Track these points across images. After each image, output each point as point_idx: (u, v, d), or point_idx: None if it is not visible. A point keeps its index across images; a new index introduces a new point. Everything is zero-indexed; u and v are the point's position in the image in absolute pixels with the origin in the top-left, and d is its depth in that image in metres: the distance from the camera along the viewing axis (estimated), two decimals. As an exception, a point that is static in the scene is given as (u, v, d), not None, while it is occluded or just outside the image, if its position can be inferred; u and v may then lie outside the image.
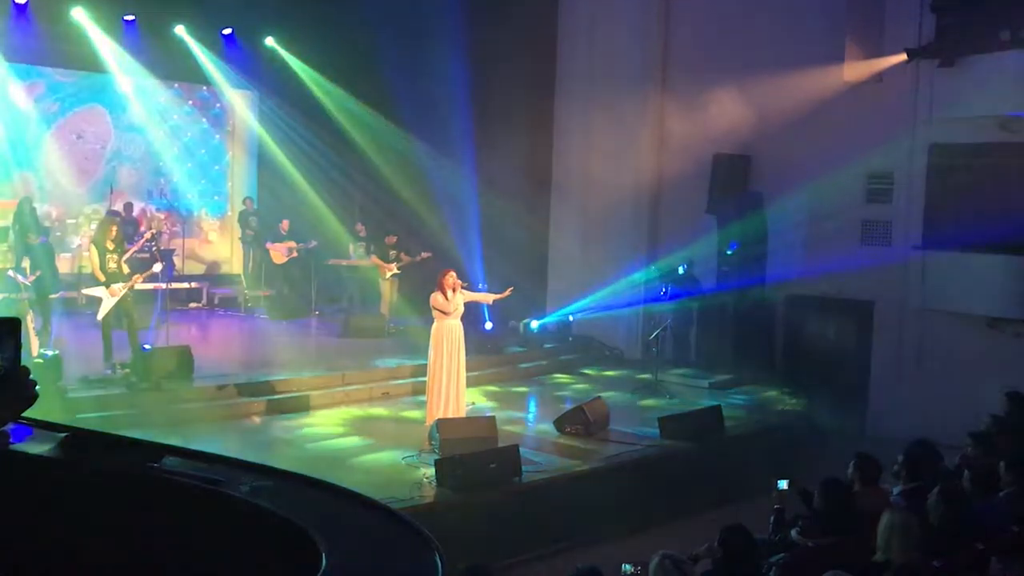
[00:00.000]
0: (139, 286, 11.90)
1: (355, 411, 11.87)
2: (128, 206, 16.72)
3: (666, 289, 14.99)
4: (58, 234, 16.02)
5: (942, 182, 13.67)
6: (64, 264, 15.65)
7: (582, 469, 10.10)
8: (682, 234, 16.04)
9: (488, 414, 11.34)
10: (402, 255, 16.12)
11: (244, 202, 17.63)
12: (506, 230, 16.45)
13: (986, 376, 12.22)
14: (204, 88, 17.71)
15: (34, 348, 10.64)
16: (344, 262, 17.23)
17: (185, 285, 16.92)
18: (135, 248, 12.78)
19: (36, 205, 15.00)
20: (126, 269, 11.55)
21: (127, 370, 11.18)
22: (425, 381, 11.20)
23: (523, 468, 9.45)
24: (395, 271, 16.00)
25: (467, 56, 15.78)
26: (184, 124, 17.76)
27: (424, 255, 16.03)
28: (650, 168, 16.55)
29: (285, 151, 17.36)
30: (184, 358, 11.58)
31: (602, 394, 12.42)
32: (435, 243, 16.39)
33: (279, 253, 16.86)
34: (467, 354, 11.05)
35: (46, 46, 15.26)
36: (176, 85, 17.46)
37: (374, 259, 16.23)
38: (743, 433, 11.95)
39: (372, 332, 15.17)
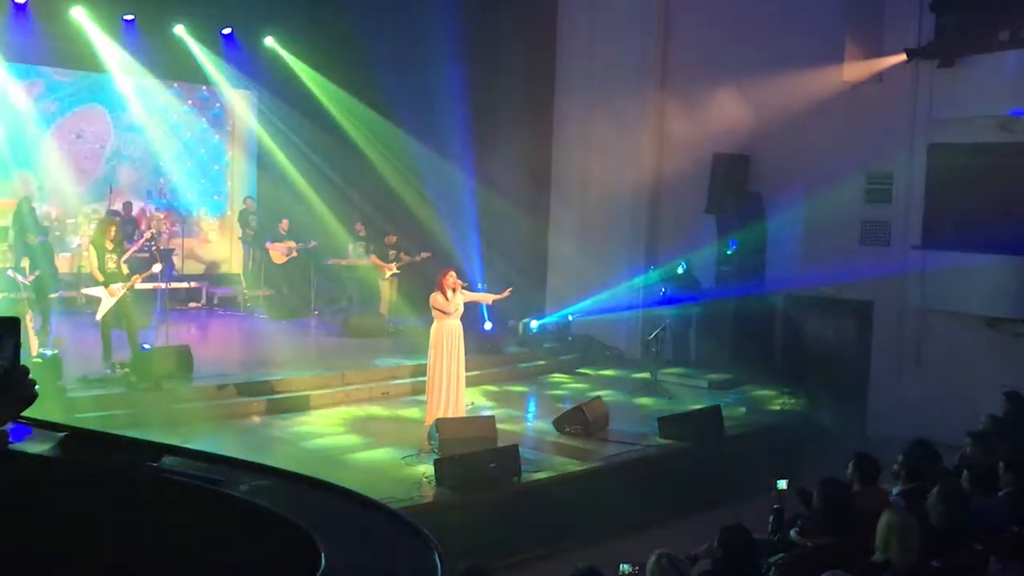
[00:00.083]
0: (138, 286, 11.89)
1: (354, 411, 11.87)
2: (127, 206, 16.71)
3: (665, 289, 15.00)
4: (57, 234, 16.01)
5: (941, 182, 13.68)
6: (63, 264, 15.65)
7: (581, 469, 10.10)
8: (681, 234, 16.06)
9: (487, 414, 11.34)
10: (401, 255, 16.12)
11: (245, 201, 17.61)
12: (505, 230, 16.46)
13: (985, 376, 12.25)
14: (204, 88, 17.70)
15: (33, 348, 10.62)
16: (343, 262, 17.22)
17: (184, 285, 16.91)
18: (134, 248, 12.77)
19: (35, 205, 15.00)
20: (125, 269, 11.53)
21: (126, 370, 11.17)
22: (424, 381, 11.21)
23: (522, 468, 9.45)
24: (395, 271, 15.99)
25: (467, 56, 15.79)
26: (183, 124, 17.75)
27: (424, 255, 16.03)
28: (649, 168, 16.55)
29: (284, 151, 17.35)
30: (183, 358, 11.58)
31: (601, 394, 12.42)
32: (434, 243, 16.38)
33: (278, 253, 16.85)
34: (466, 354, 11.06)
35: (45, 46, 15.25)
36: (176, 85, 17.45)
37: (373, 259, 16.23)
38: (742, 433, 11.95)
39: (371, 332, 15.17)
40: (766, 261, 15.45)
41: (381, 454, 10.15)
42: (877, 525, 5.24)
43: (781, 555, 5.91)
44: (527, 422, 12.14)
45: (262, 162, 18.22)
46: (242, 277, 17.61)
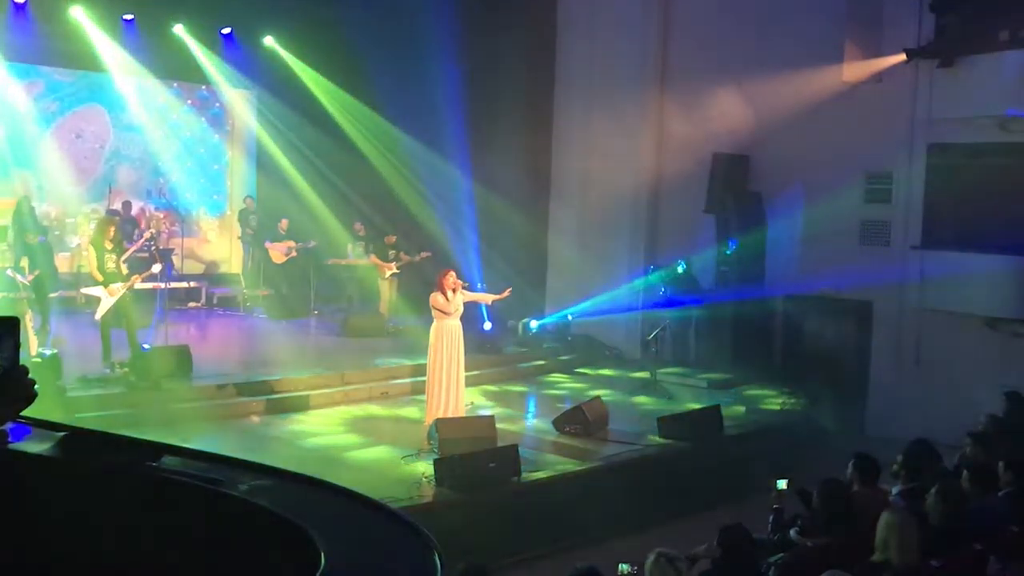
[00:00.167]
0: (138, 286, 11.89)
1: (354, 410, 11.87)
2: (127, 205, 16.71)
3: (665, 288, 15.00)
4: (57, 233, 16.01)
5: (941, 182, 13.68)
6: (63, 263, 15.65)
7: (581, 469, 10.10)
8: (681, 234, 16.07)
9: (487, 414, 11.34)
10: (401, 255, 16.12)
11: (245, 201, 17.59)
12: (505, 230, 16.46)
13: (985, 376, 12.25)
14: (203, 87, 17.70)
15: (33, 347, 10.62)
16: (343, 262, 17.22)
17: (184, 284, 16.91)
18: (134, 248, 12.77)
19: (35, 204, 14.99)
20: (124, 269, 11.53)
21: (126, 369, 11.18)
22: (424, 381, 11.21)
23: (522, 468, 9.45)
24: (394, 271, 15.99)
25: (466, 55, 15.79)
26: (183, 123, 17.75)
27: (423, 255, 16.04)
28: (649, 168, 16.55)
29: (284, 151, 17.35)
30: (183, 357, 11.58)
31: (601, 394, 12.42)
32: (434, 243, 16.39)
33: (278, 253, 16.85)
34: (466, 354, 11.06)
35: (45, 45, 15.26)
36: (175, 84, 17.46)
37: (373, 259, 16.23)
38: (742, 433, 11.95)
39: (371, 332, 15.17)
40: (766, 261, 15.44)
41: (380, 454, 10.16)
42: (877, 525, 5.24)
43: (781, 555, 5.91)
44: (526, 422, 12.14)
45: (261, 162, 18.22)
46: (242, 277, 17.61)
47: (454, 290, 10.77)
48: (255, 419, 11.31)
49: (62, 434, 2.09)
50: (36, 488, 1.98)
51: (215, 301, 17.27)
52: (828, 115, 14.25)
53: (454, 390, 10.78)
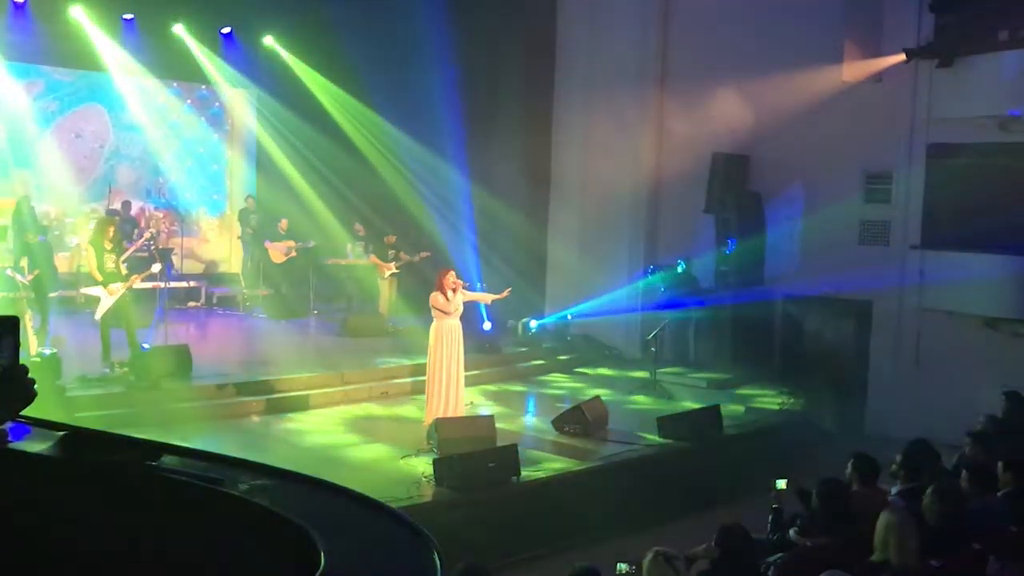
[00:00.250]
0: (138, 285, 11.89)
1: (354, 410, 11.87)
2: (126, 205, 16.71)
3: (664, 289, 15.00)
4: (56, 233, 15.99)
5: (941, 182, 13.68)
6: (62, 263, 15.63)
7: (580, 469, 10.11)
8: (680, 233, 16.08)
9: (486, 413, 11.34)
10: (401, 254, 16.12)
11: (246, 200, 17.55)
12: (504, 230, 16.46)
13: (984, 376, 12.26)
14: (203, 87, 17.70)
15: (32, 347, 10.63)
16: (343, 261, 17.22)
17: (184, 284, 16.90)
18: (134, 248, 12.77)
19: (34, 204, 14.97)
20: (124, 269, 11.52)
21: (125, 369, 11.18)
22: (424, 380, 11.21)
23: (521, 467, 9.45)
24: (394, 270, 15.99)
25: (466, 55, 15.79)
26: (183, 123, 17.75)
27: (423, 255, 16.05)
28: (649, 167, 16.55)
29: (283, 150, 17.34)
30: (183, 357, 11.58)
31: (600, 393, 12.42)
32: (433, 243, 16.39)
33: (278, 252, 16.84)
34: (466, 354, 11.06)
35: (45, 45, 15.25)
36: (175, 84, 17.45)
37: (373, 258, 16.23)
38: (741, 433, 11.96)
39: (371, 331, 15.17)
40: (765, 261, 15.45)
41: (380, 453, 10.16)
42: (876, 525, 5.24)
43: (780, 555, 5.91)
44: (526, 422, 12.14)
45: (261, 161, 18.21)
46: (241, 277, 17.60)
47: (454, 290, 10.77)
48: (255, 419, 11.31)
49: (62, 434, 2.09)
50: (35, 488, 1.98)
51: (215, 301, 17.27)
52: (828, 115, 14.26)
53: (454, 390, 10.78)
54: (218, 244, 18.60)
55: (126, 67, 16.03)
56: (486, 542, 8.07)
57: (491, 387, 13.48)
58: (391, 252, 16.12)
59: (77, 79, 16.61)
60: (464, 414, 11.01)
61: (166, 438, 2.41)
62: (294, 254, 16.84)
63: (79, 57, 15.69)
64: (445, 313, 10.73)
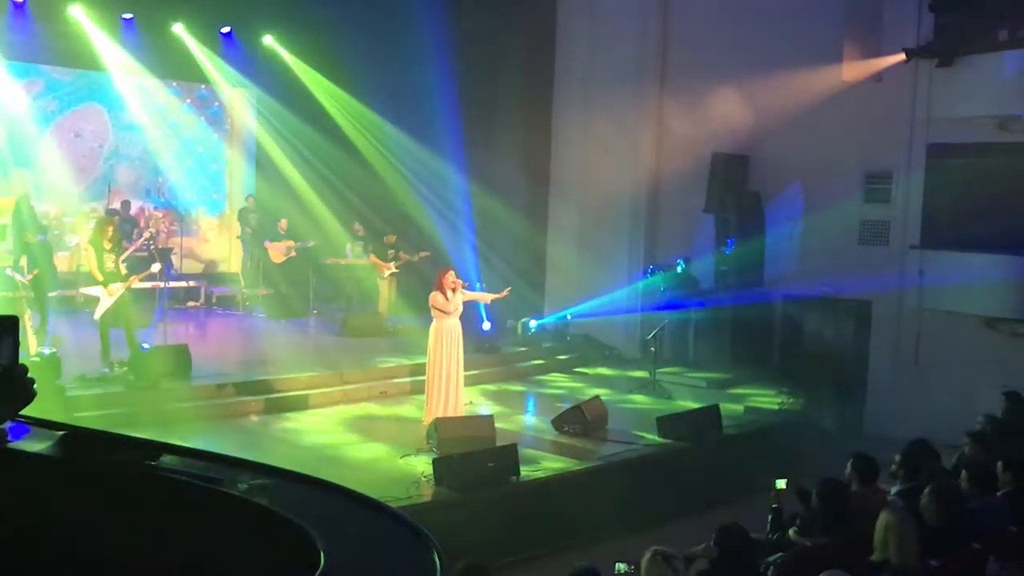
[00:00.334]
0: (137, 285, 11.89)
1: (353, 410, 11.87)
2: (126, 204, 16.71)
3: (664, 288, 15.00)
4: (56, 232, 16.00)
5: (940, 182, 13.68)
6: (62, 262, 15.63)
7: (580, 468, 10.11)
8: (680, 233, 16.08)
9: (486, 413, 11.34)
10: (400, 254, 16.12)
11: (247, 199, 17.53)
12: (504, 229, 16.46)
13: (984, 376, 12.26)
14: (202, 86, 17.69)
15: (32, 346, 10.63)
16: (342, 261, 17.21)
17: (183, 284, 16.90)
18: (133, 247, 12.76)
19: (34, 203, 14.97)
20: (123, 269, 11.52)
21: (125, 369, 11.17)
22: (423, 380, 11.21)
23: (521, 467, 9.45)
24: (393, 270, 15.99)
25: (465, 55, 15.79)
26: (182, 122, 17.74)
27: (422, 254, 16.04)
28: (648, 167, 16.55)
29: (283, 150, 17.35)
30: (182, 357, 11.58)
31: (600, 393, 12.42)
32: (432, 243, 16.38)
33: (277, 252, 16.84)
34: (465, 353, 11.06)
35: (44, 44, 15.24)
36: (174, 83, 17.45)
37: (372, 258, 16.23)
38: (741, 433, 11.96)
39: (370, 331, 15.17)
40: (765, 261, 15.44)
41: (380, 453, 10.16)
42: (875, 525, 5.24)
43: (779, 555, 5.91)
44: (525, 421, 12.14)
45: (260, 161, 18.21)
46: (241, 276, 17.60)
47: (453, 289, 10.77)
48: (254, 418, 11.31)
49: (61, 433, 2.09)
50: (35, 487, 1.98)
51: (214, 300, 17.26)
52: (827, 115, 14.26)
53: (453, 389, 10.78)
54: (218, 244, 18.60)
55: (126, 66, 16.02)
56: (486, 542, 8.07)
57: (491, 387, 13.48)
58: (390, 252, 16.11)
59: (77, 78, 16.60)
60: (464, 414, 11.01)
61: (166, 438, 2.40)
62: (293, 254, 16.83)
63: (79, 56, 15.68)
64: (445, 313, 10.73)
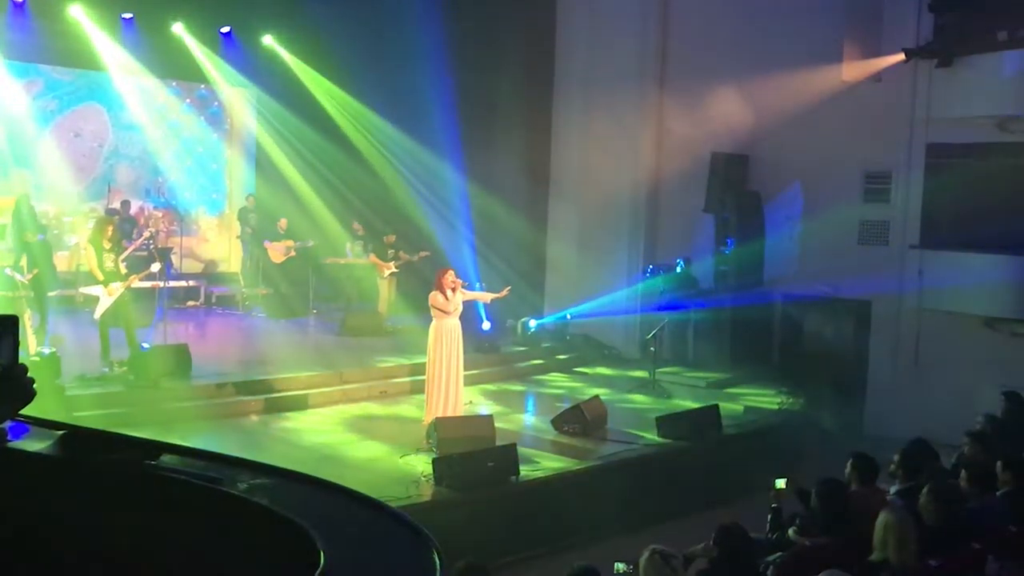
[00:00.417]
0: (137, 285, 11.88)
1: (353, 409, 11.87)
2: (126, 204, 16.69)
3: (663, 288, 15.00)
4: (55, 232, 15.98)
5: (940, 182, 13.69)
6: (62, 262, 15.62)
7: (579, 468, 10.11)
8: (680, 233, 16.08)
9: (486, 413, 11.34)
10: (400, 254, 16.11)
11: (247, 199, 17.52)
12: (503, 229, 16.45)
13: (983, 376, 12.27)
14: (202, 86, 17.69)
15: (31, 346, 10.63)
16: (342, 261, 17.22)
17: (183, 283, 16.89)
18: (133, 247, 12.77)
19: (34, 203, 14.95)
20: (123, 268, 11.52)
21: (125, 368, 11.17)
22: (423, 380, 11.21)
23: (520, 467, 9.45)
24: (393, 270, 15.98)
25: (465, 55, 15.78)
26: (182, 122, 17.74)
27: (422, 254, 16.03)
28: (648, 166, 16.55)
29: (282, 150, 17.34)
30: (182, 356, 11.58)
31: (599, 393, 12.42)
32: (432, 242, 16.38)
33: (277, 252, 16.84)
34: (465, 353, 11.06)
35: (44, 44, 15.23)
36: (174, 83, 17.44)
37: (372, 258, 16.22)
38: (740, 432, 11.96)
39: (370, 331, 15.17)
40: (764, 261, 15.45)
41: (379, 453, 10.16)
42: (875, 524, 5.24)
43: (779, 554, 5.91)
44: (525, 421, 12.14)
45: (260, 161, 18.20)
46: (240, 276, 17.59)
47: (453, 289, 10.77)
48: (254, 418, 11.31)
49: (61, 433, 2.09)
50: (35, 487, 1.98)
51: (214, 300, 17.26)
52: (827, 115, 14.26)
53: (453, 389, 10.78)
54: (217, 243, 18.59)
55: (125, 66, 16.02)
56: (485, 541, 8.08)
57: (490, 386, 13.48)
58: (390, 251, 16.11)
59: (76, 78, 16.60)
60: (463, 413, 11.01)
61: (165, 437, 2.41)
62: (293, 254, 16.83)
63: (78, 56, 15.67)
64: (444, 312, 10.73)
